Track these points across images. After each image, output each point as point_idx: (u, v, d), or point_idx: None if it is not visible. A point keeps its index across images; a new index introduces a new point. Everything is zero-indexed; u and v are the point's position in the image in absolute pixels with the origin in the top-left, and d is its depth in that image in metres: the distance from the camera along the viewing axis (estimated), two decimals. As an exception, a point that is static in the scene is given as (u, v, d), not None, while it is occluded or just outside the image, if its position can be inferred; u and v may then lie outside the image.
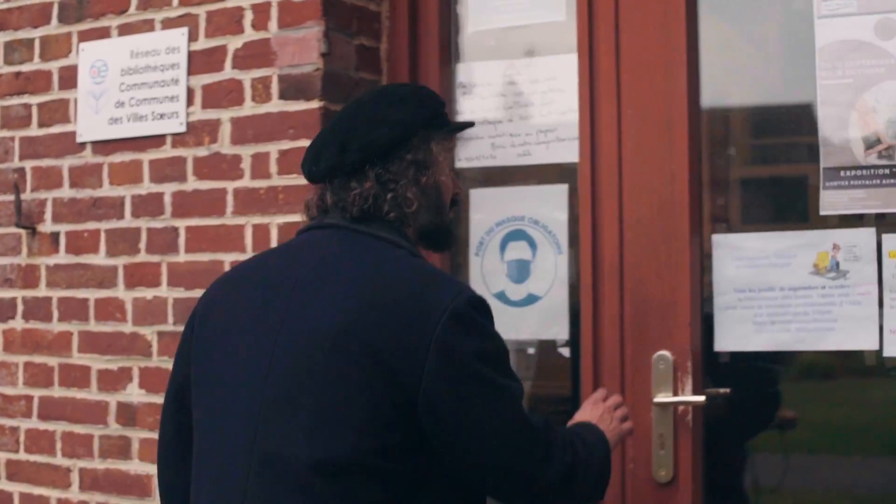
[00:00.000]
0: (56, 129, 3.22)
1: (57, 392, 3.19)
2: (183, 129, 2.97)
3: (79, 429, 3.14)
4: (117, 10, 3.11)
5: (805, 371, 2.64)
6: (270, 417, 1.82)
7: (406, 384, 1.77)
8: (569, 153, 2.80)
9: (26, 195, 3.26)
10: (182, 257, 2.98)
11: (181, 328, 2.92)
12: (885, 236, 2.44)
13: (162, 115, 3.00)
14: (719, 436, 2.64)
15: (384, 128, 1.96)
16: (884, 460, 2.59)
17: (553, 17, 2.86)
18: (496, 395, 1.84)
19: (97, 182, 3.13)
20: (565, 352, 2.84)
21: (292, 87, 2.81)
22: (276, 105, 2.84)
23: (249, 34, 2.89)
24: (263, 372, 1.85)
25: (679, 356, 2.59)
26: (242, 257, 2.80)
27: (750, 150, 2.79)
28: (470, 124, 2.17)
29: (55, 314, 3.20)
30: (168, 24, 3.02)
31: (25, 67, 3.30)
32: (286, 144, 2.82)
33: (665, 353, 2.60)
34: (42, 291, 3.23)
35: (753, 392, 2.68)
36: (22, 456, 3.25)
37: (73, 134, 3.18)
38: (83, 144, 3.17)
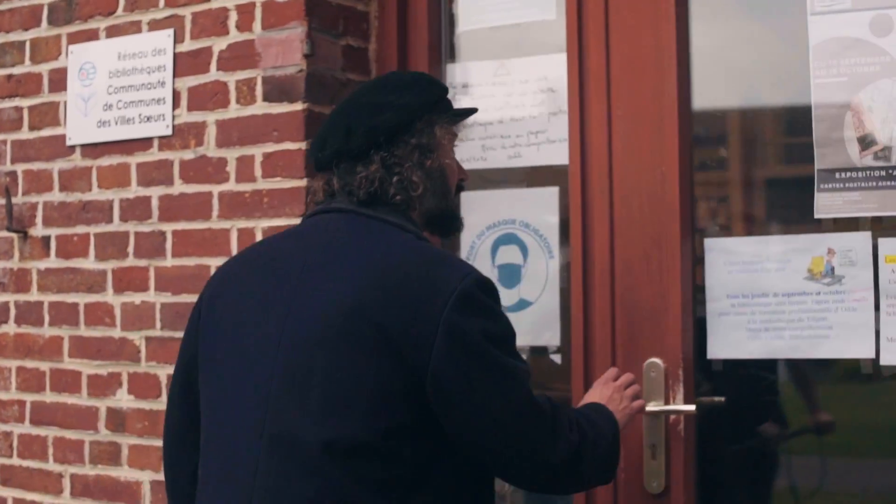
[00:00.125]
0: (46, 132, 3.20)
1: (49, 397, 3.17)
2: (169, 131, 2.94)
3: (70, 434, 3.12)
4: (105, 12, 3.08)
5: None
6: (280, 399, 1.83)
7: (414, 365, 1.79)
8: (559, 155, 2.74)
9: (18, 198, 3.24)
10: (169, 262, 2.94)
11: (169, 333, 2.94)
12: (881, 240, 2.36)
13: (149, 118, 2.97)
14: (713, 445, 2.57)
15: (389, 112, 1.98)
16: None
17: (543, 15, 2.80)
18: (503, 375, 1.84)
19: (86, 185, 3.11)
20: (557, 359, 2.78)
21: (276, 89, 2.77)
22: (260, 107, 2.79)
23: (234, 35, 2.85)
24: (272, 354, 1.86)
25: (670, 364, 2.52)
26: (228, 262, 2.76)
27: (742, 151, 2.71)
28: (473, 110, 2.20)
29: (46, 318, 3.18)
30: (154, 25, 2.99)
31: (17, 70, 3.27)
32: (270, 147, 2.77)
33: (656, 360, 2.53)
34: (34, 296, 3.21)
35: (747, 401, 2.60)
36: (15, 461, 3.24)
37: (63, 137, 3.16)
38: (73, 147, 3.14)
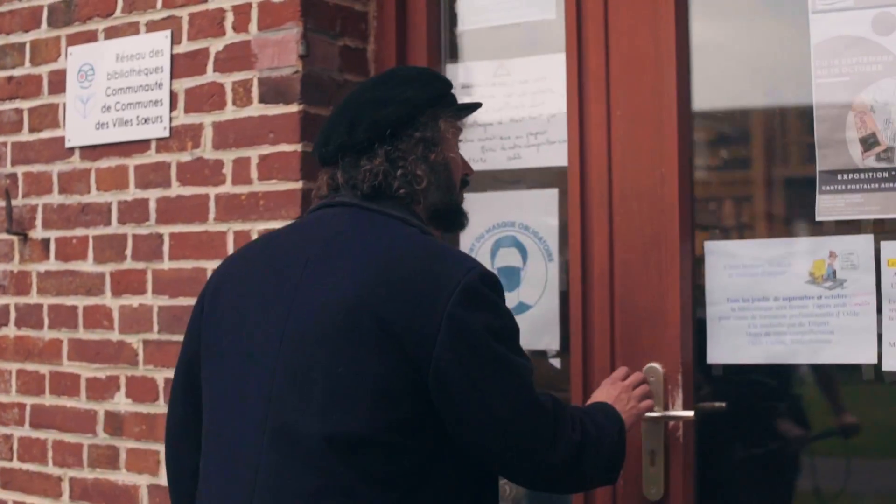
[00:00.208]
0: (46, 135, 3.19)
1: (48, 400, 3.16)
2: (167, 133, 2.92)
3: (69, 437, 3.10)
4: (104, 14, 3.07)
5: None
6: (283, 392, 1.83)
7: (417, 358, 1.78)
8: (559, 156, 2.70)
9: (18, 201, 3.24)
10: (167, 264, 2.92)
11: (166, 337, 2.92)
12: (883, 243, 2.30)
13: (146, 120, 2.95)
14: (712, 451, 2.53)
15: (392, 106, 1.98)
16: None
17: (543, 15, 2.76)
18: (506, 370, 1.83)
19: (85, 187, 3.09)
20: (556, 363, 2.74)
21: (272, 91, 2.74)
22: (256, 109, 2.77)
23: (231, 36, 2.83)
24: (275, 347, 1.85)
25: (669, 369, 2.48)
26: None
27: (743, 152, 2.66)
28: (478, 104, 2.19)
29: (46, 321, 3.17)
30: (152, 26, 2.97)
31: (17, 72, 3.27)
32: (266, 149, 2.75)
33: (655, 365, 2.49)
34: (34, 298, 3.20)
35: (748, 406, 2.55)
36: (15, 464, 3.23)
37: (62, 139, 3.15)
38: (72, 149, 3.13)
